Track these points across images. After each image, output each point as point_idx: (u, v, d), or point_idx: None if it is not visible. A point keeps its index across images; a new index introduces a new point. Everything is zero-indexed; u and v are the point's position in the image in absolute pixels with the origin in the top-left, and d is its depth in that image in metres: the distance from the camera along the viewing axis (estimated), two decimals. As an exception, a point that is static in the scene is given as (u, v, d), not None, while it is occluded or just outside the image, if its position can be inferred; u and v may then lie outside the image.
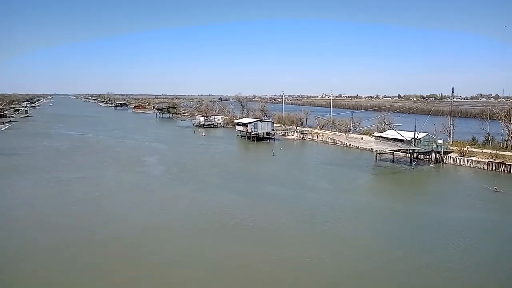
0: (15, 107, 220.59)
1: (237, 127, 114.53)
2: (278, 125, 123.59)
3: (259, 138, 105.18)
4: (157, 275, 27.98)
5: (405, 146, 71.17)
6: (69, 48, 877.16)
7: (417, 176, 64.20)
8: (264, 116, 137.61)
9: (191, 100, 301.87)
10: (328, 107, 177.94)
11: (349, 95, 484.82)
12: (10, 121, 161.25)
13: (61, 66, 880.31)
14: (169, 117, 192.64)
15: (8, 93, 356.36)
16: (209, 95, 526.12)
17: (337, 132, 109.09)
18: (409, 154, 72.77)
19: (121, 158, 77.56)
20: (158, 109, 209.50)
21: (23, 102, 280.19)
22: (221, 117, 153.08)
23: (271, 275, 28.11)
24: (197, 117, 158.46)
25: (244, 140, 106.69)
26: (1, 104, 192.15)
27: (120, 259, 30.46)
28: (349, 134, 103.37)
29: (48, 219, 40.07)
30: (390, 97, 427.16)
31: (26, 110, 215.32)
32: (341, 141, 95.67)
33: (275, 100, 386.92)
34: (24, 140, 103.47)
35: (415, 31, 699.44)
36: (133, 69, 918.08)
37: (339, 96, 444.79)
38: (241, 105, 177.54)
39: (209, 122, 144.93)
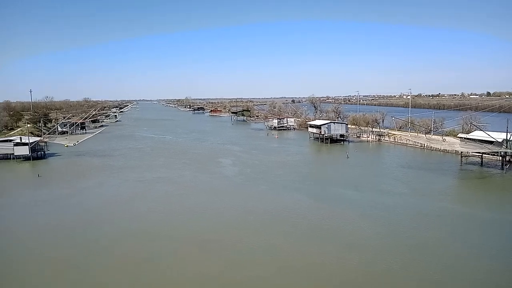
0: (106, 113, 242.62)
1: (310, 129, 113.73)
2: (353, 126, 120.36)
3: (333, 140, 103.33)
4: (229, 271, 28.98)
5: (496, 148, 64.92)
6: (150, 54, 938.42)
7: (509, 182, 58.26)
8: (337, 117, 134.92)
9: (264, 103, 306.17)
10: (406, 107, 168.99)
11: (430, 94, 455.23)
12: (102, 126, 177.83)
13: (144, 73, 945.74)
14: (243, 120, 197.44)
15: (101, 99, 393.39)
16: (282, 98, 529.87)
17: (416, 134, 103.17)
18: (500, 157, 66.35)
19: (198, 159, 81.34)
20: (233, 113, 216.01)
21: (113, 108, 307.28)
22: (294, 119, 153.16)
23: (347, 278, 27.57)
24: (270, 119, 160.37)
25: (317, 142, 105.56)
26: (95, 110, 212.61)
27: (194, 254, 32.02)
28: (430, 136, 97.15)
29: (136, 215, 43.53)
30: (477, 95, 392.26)
31: (116, 115, 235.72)
32: (421, 143, 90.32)
33: (349, 101, 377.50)
34: (113, 142, 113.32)
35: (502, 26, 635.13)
36: (209, 73, 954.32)
37: (419, 95, 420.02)
38: (314, 107, 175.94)
39: (282, 125, 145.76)
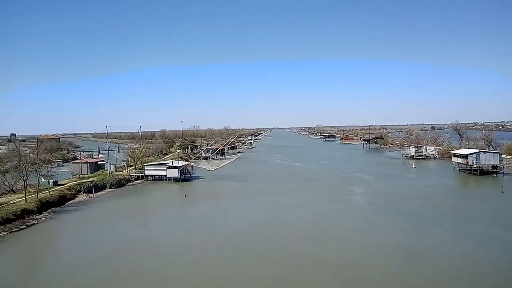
0: (243, 140, 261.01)
1: (454, 159, 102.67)
2: (508, 156, 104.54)
3: (482, 172, 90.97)
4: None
5: None
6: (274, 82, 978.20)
7: None
8: (488, 146, 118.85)
9: (399, 130, 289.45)
10: None
11: None
12: (239, 152, 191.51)
13: (277, 103, 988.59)
14: (376, 148, 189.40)
15: (238, 128, 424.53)
16: (419, 124, 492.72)
17: None
18: None
19: (328, 186, 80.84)
20: (365, 140, 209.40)
21: (249, 135, 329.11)
22: (434, 148, 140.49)
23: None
24: (406, 147, 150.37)
25: (463, 174, 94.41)
26: (233, 137, 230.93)
27: (325, 278, 31.58)
28: None
29: (272, 235, 45.45)
30: None
31: (251, 142, 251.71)
32: None
33: (502, 127, 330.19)
34: (249, 167, 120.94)
35: None
36: (339, 100, 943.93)
37: None
38: (459, 134, 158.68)
39: (420, 153, 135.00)
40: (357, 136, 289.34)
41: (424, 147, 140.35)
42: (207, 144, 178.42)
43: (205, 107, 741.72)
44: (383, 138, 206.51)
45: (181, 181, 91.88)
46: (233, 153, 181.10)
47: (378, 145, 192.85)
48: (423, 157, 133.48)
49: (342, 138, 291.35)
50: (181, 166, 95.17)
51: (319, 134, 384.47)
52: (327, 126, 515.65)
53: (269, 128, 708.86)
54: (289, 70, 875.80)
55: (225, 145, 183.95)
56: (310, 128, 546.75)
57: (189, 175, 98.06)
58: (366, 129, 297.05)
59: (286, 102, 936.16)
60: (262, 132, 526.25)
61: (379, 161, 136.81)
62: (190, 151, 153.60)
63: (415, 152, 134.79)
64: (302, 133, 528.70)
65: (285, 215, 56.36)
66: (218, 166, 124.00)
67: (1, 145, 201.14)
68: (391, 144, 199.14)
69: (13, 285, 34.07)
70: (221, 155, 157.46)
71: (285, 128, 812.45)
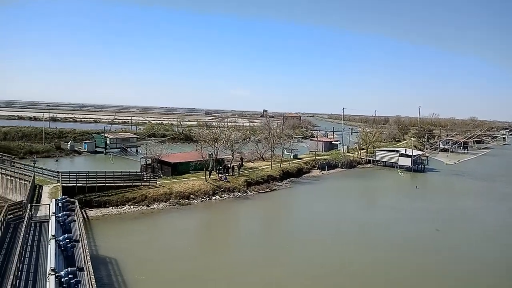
0: (493, 134, 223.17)
1: None
2: None
3: None
4: None
5: None
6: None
7: None
8: None
9: None
10: None
11: None
12: (486, 147, 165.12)
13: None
14: None
15: (488, 119, 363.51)
16: None
17: None
18: None
19: None
20: None
21: (501, 129, 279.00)
22: None
23: None
24: None
25: None
26: (480, 130, 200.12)
27: None
28: None
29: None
30: None
31: (504, 138, 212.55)
32: None
33: None
34: (498, 165, 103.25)
35: None
36: None
37: None
38: None
39: None
40: None
41: None
42: (447, 135, 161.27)
43: (447, 93, 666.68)
44: None
45: (413, 171, 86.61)
46: (479, 148, 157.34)
47: None
48: None
49: None
50: (414, 155, 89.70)
51: None
52: None
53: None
54: None
55: (469, 138, 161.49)
56: None
57: (422, 166, 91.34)
58: None
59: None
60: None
61: None
62: (426, 140, 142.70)
63: None
64: None
65: None
66: (458, 161, 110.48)
67: (256, 119, 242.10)
68: None
69: (262, 233, 41.97)
70: (462, 148, 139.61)
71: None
